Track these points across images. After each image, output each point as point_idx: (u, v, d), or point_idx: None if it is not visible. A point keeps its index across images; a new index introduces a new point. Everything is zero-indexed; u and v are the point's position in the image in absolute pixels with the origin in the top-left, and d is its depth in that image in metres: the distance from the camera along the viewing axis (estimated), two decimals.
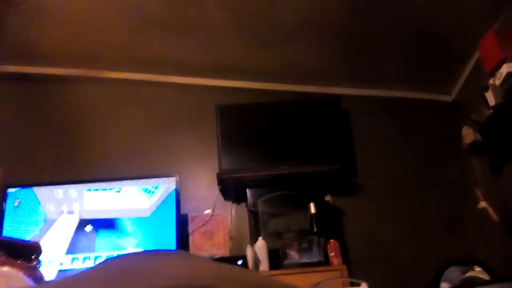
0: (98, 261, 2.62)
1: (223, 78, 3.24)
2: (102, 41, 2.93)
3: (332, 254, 2.48)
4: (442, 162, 3.13)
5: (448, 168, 3.11)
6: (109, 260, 0.57)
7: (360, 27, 2.78)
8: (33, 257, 2.08)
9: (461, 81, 3.13)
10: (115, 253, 2.62)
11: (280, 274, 2.42)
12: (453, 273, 2.44)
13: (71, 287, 0.49)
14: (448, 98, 3.28)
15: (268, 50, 2.98)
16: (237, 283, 0.48)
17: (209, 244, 2.78)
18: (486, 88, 2.48)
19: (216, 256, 2.67)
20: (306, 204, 2.68)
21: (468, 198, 2.87)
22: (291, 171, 2.82)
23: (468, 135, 2.68)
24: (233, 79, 3.24)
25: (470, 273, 2.39)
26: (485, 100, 2.49)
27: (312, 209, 2.65)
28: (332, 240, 2.53)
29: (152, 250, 0.62)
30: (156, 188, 2.79)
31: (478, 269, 2.40)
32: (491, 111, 2.46)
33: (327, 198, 2.79)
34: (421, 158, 3.14)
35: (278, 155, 2.89)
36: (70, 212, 2.72)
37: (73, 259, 2.61)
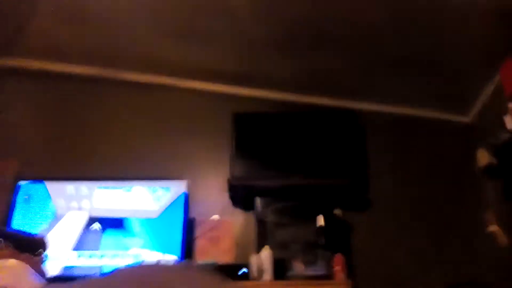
0: (104, 259, 2.63)
1: (240, 86, 3.25)
2: (123, 42, 2.96)
3: (337, 268, 2.46)
4: (457, 183, 3.09)
5: (462, 190, 3.07)
6: (121, 269, 0.58)
7: (384, 44, 2.78)
8: (38, 251, 2.10)
9: (479, 103, 3.10)
10: (120, 252, 2.64)
11: (284, 285, 2.41)
12: None
13: None
14: (466, 120, 3.25)
15: (288, 59, 2.98)
16: None
17: (215, 249, 2.78)
18: (505, 112, 2.46)
19: (221, 263, 2.66)
20: (314, 216, 2.67)
21: (480, 221, 2.83)
22: (301, 182, 2.82)
23: (483, 157, 2.64)
24: (250, 87, 3.25)
25: None
26: (504, 123, 2.47)
27: (320, 222, 2.64)
28: (337, 254, 2.51)
29: (164, 264, 0.62)
30: (166, 190, 2.80)
31: None
32: (509, 134, 2.44)
33: (336, 211, 2.78)
34: (436, 178, 3.11)
35: (290, 166, 2.88)
36: (80, 209, 2.74)
37: (79, 256, 2.63)
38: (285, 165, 2.89)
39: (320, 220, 2.65)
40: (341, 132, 3.01)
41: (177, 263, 2.57)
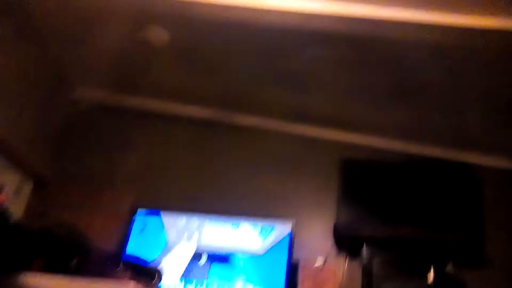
0: None
1: (348, 133, 3.25)
2: (235, 87, 3.09)
3: None
4: None
5: None
6: None
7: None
8: (154, 280, 2.21)
9: None
10: (226, 285, 2.70)
11: None
12: None
13: None
14: None
15: (400, 108, 2.93)
16: None
17: None
18: None
19: None
20: (424, 270, 2.56)
21: None
22: (411, 234, 2.72)
23: None
24: (357, 134, 3.23)
25: None
26: None
27: (431, 278, 2.53)
28: None
29: None
30: (272, 229, 2.84)
31: None
32: None
33: (449, 268, 2.64)
34: None
35: (400, 217, 2.79)
36: (190, 241, 2.84)
37: (185, 285, 2.72)
38: (395, 216, 2.80)
39: (431, 277, 2.53)
40: (455, 185, 2.89)
41: None
